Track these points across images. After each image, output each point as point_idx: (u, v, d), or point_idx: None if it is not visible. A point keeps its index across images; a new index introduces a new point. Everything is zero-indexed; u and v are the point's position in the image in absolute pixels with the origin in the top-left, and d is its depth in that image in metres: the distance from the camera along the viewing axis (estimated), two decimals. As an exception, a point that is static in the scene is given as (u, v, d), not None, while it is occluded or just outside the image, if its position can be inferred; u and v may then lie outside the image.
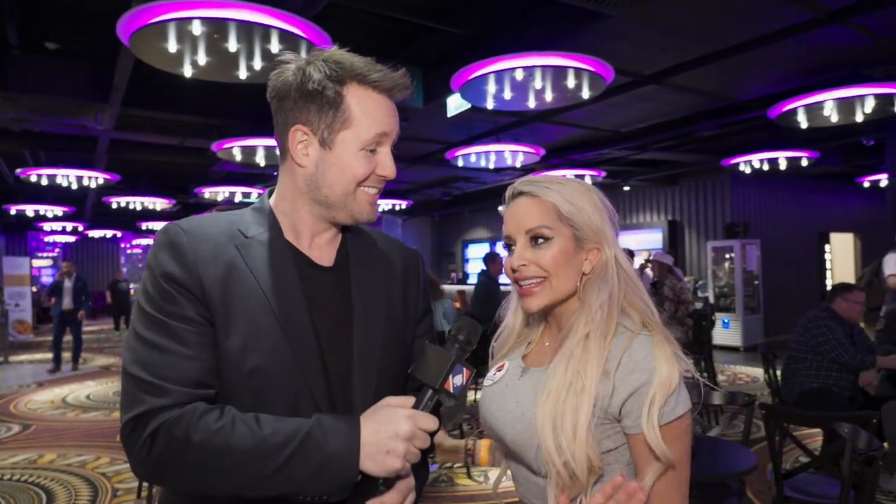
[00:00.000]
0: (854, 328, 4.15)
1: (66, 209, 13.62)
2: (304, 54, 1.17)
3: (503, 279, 7.30)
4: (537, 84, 5.07)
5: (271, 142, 7.09)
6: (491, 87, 5.16)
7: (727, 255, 10.78)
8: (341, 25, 5.12)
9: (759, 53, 5.56)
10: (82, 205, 13.99)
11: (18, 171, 9.63)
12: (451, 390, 1.04)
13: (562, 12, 4.70)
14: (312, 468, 0.95)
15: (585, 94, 5.30)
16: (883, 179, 10.98)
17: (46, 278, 18.61)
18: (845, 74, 5.99)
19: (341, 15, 5.02)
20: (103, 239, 21.24)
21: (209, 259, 1.05)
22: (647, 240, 12.17)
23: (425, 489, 1.24)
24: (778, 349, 4.95)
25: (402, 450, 0.97)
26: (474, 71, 4.93)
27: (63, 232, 18.53)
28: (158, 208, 13.25)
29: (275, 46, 4.06)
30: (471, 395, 5.77)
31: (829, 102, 6.01)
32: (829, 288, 11.83)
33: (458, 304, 9.43)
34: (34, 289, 15.24)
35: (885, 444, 3.18)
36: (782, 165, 9.05)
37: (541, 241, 1.17)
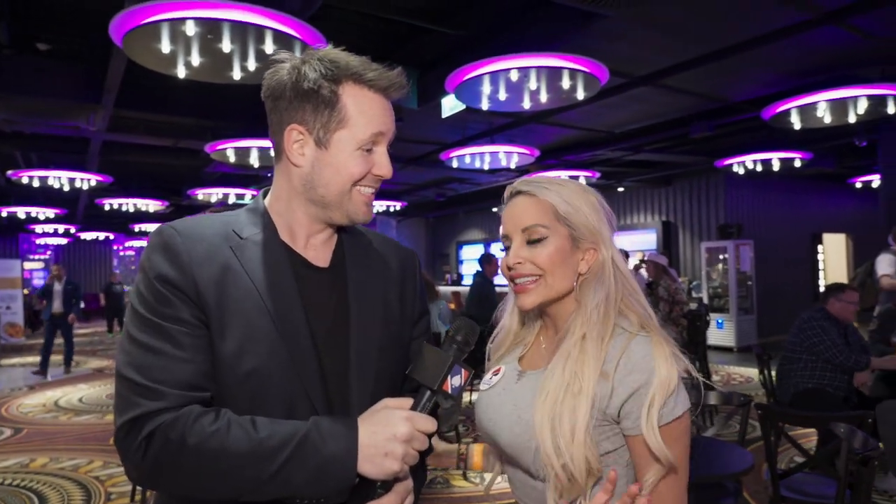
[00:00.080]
0: (848, 328, 4.17)
1: (58, 211, 13.54)
2: (298, 55, 1.16)
3: (498, 280, 7.31)
4: (532, 85, 5.07)
5: (265, 143, 7.09)
6: (486, 88, 5.17)
7: (721, 256, 10.82)
8: (335, 26, 5.11)
9: (753, 54, 5.57)
10: (74, 207, 13.91)
11: (10, 172, 9.56)
12: (450, 391, 1.03)
13: (556, 13, 4.70)
14: (310, 471, 0.94)
15: (580, 95, 5.31)
16: (875, 180, 11.04)
17: (38, 281, 18.50)
18: (838, 75, 6.01)
19: (335, 16, 5.00)
20: (96, 241, 21.14)
21: (204, 260, 1.04)
22: (641, 240, 12.21)
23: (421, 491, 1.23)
24: (771, 350, 4.96)
25: (401, 452, 0.96)
26: (469, 72, 4.93)
27: (55, 234, 18.45)
28: (151, 210, 13.19)
29: (269, 47, 4.04)
30: (466, 397, 5.76)
31: (822, 103, 6.05)
32: (821, 288, 11.93)
33: (452, 306, 9.43)
34: (26, 291, 15.14)
35: (880, 444, 3.18)
36: (775, 166, 9.09)
37: (537, 239, 1.17)
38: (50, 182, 9.54)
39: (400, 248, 1.31)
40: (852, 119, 6.34)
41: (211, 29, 3.83)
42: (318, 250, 1.16)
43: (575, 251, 1.18)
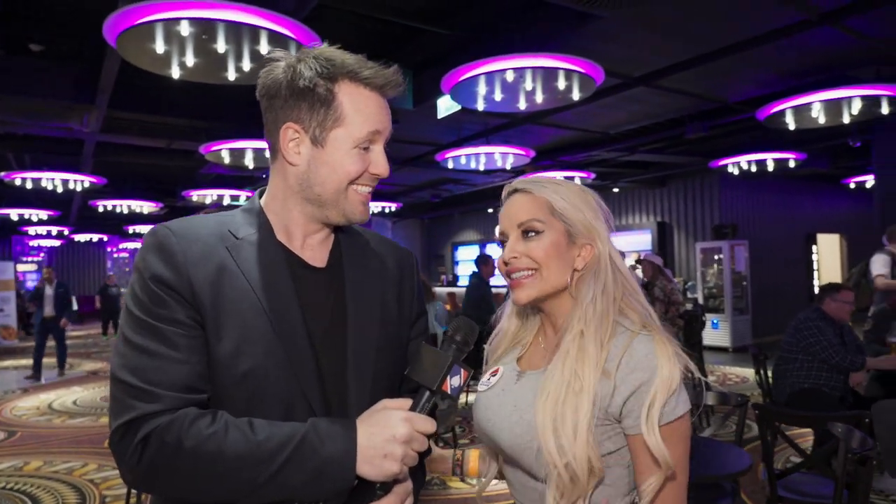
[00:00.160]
0: (844, 328, 4.17)
1: (51, 213, 13.48)
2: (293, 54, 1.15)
3: (495, 281, 7.30)
4: (528, 85, 5.07)
5: (260, 144, 7.07)
6: (481, 89, 5.16)
7: (716, 257, 10.85)
8: (330, 27, 5.09)
9: (748, 55, 5.59)
10: (68, 208, 13.85)
11: (2, 174, 9.50)
12: (449, 391, 1.02)
13: (552, 14, 4.70)
14: (308, 473, 0.93)
15: (576, 95, 5.31)
16: (869, 180, 11.09)
17: (32, 283, 18.40)
18: (833, 76, 6.04)
19: (330, 17, 4.99)
20: (89, 243, 21.06)
21: (199, 261, 1.03)
22: (636, 241, 12.23)
23: (418, 493, 1.22)
24: (767, 350, 4.97)
25: (400, 453, 0.95)
26: (465, 72, 4.92)
27: (48, 236, 18.36)
28: (146, 212, 13.13)
29: (264, 47, 4.02)
30: (462, 398, 5.74)
31: (816, 104, 6.06)
32: (816, 289, 11.97)
33: (448, 307, 9.42)
34: (21, 292, 15.09)
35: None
36: (770, 167, 9.11)
37: (532, 234, 1.18)
38: (43, 183, 9.49)
39: (397, 248, 1.31)
40: (846, 120, 6.36)
41: (205, 29, 3.81)
42: (314, 250, 1.15)
43: (571, 247, 1.18)
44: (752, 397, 6.18)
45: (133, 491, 3.88)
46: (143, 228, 16.31)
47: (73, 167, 9.32)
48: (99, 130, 7.03)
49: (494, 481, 1.33)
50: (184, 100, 6.71)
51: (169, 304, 0.99)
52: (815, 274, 13.56)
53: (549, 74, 4.92)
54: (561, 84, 5.04)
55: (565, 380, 1.10)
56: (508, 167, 9.05)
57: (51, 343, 9.55)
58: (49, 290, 9.56)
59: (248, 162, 7.85)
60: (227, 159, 7.77)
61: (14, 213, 13.19)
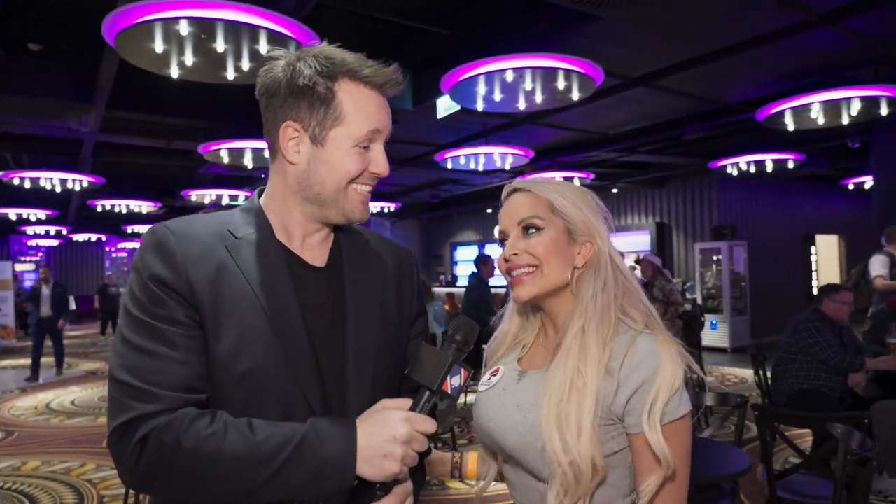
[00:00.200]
0: (843, 329, 4.17)
1: (49, 212, 13.45)
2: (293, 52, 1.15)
3: (494, 282, 7.30)
4: (527, 86, 5.07)
5: (259, 144, 7.06)
6: (481, 89, 5.15)
7: (714, 257, 10.85)
8: (329, 27, 5.08)
9: (747, 56, 5.59)
10: (66, 208, 13.83)
11: (1, 173, 9.48)
12: (449, 391, 1.01)
13: (551, 14, 4.69)
14: (308, 474, 0.92)
15: (575, 95, 5.30)
16: (868, 181, 11.09)
17: (30, 282, 18.37)
18: (832, 77, 6.04)
19: (329, 16, 4.98)
20: (88, 242, 21.02)
21: (198, 260, 1.02)
22: (635, 241, 12.23)
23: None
24: (765, 350, 4.97)
25: (400, 453, 0.95)
26: (464, 73, 4.91)
27: (46, 235, 18.33)
28: (144, 211, 13.11)
29: (263, 47, 4.02)
30: (461, 398, 5.74)
31: (815, 105, 6.07)
32: (815, 289, 11.98)
33: (447, 307, 9.42)
34: (21, 292, 15.05)
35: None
36: (769, 168, 9.12)
37: (533, 230, 1.19)
38: (42, 183, 9.46)
39: (397, 247, 1.30)
40: (845, 120, 6.37)
41: (204, 28, 3.81)
42: (314, 250, 1.15)
43: (571, 244, 1.19)
44: (751, 398, 6.18)
45: (131, 491, 3.87)
46: (142, 228, 16.30)
47: (71, 167, 9.30)
48: (97, 130, 7.02)
49: (493, 483, 1.33)
50: (182, 99, 6.70)
51: (168, 304, 0.99)
52: (814, 275, 13.58)
53: (548, 75, 4.92)
54: (560, 84, 5.03)
55: (568, 377, 1.10)
56: (507, 167, 9.05)
57: (48, 343, 9.53)
58: (46, 291, 9.51)
59: (247, 162, 7.84)
60: (225, 159, 7.76)
61: (12, 213, 13.16)
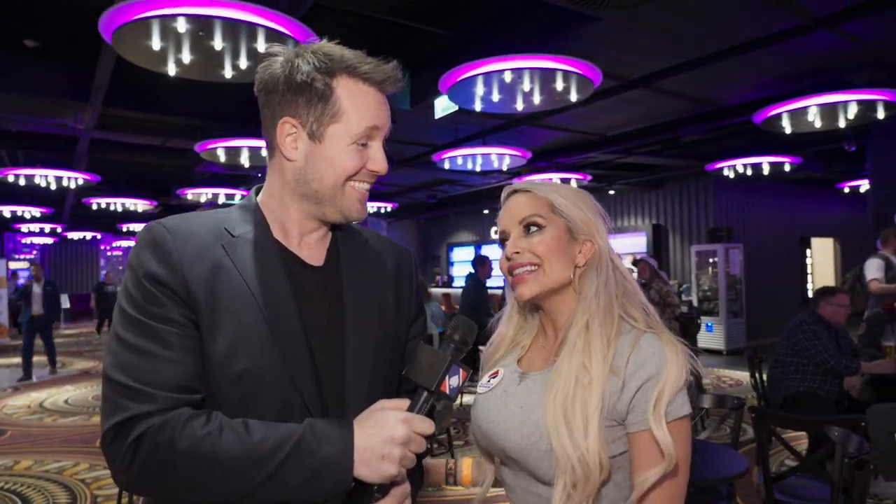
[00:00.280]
0: (839, 332, 4.18)
1: (44, 210, 13.40)
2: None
3: (491, 283, 7.29)
4: (525, 86, 5.06)
5: (256, 142, 7.03)
6: (479, 89, 5.15)
7: (710, 259, 10.87)
8: (328, 26, 5.07)
9: (745, 59, 5.60)
10: (61, 206, 13.77)
11: (-4, 171, 9.45)
12: (448, 392, 1.00)
13: (550, 14, 4.69)
14: (305, 475, 0.91)
15: (573, 96, 5.30)
16: (863, 185, 11.13)
17: (23, 280, 18.30)
18: (829, 80, 6.05)
19: (327, 16, 4.97)
20: (83, 241, 20.95)
21: (194, 258, 1.01)
22: (631, 243, 12.25)
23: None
24: (761, 353, 4.98)
25: (398, 454, 0.94)
26: (462, 73, 4.91)
27: (41, 233, 18.26)
28: (140, 210, 13.07)
29: (260, 45, 4.00)
30: (458, 399, 5.70)
31: (812, 108, 6.07)
32: (810, 292, 12.01)
33: (444, 308, 9.41)
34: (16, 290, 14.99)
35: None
36: (765, 170, 9.14)
37: (534, 229, 1.19)
38: (36, 181, 9.42)
39: (396, 246, 1.29)
40: (842, 124, 6.37)
41: (202, 26, 3.79)
42: (312, 249, 1.14)
43: (572, 242, 1.20)
44: (747, 400, 6.18)
45: (125, 491, 3.86)
46: (137, 226, 16.24)
47: (66, 164, 9.26)
48: (93, 128, 6.99)
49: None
50: (179, 97, 6.67)
51: (163, 303, 0.98)
52: (809, 277, 13.61)
53: (546, 75, 4.92)
54: (559, 85, 5.03)
55: (573, 374, 1.10)
56: (505, 168, 9.05)
57: (38, 341, 9.47)
58: (37, 289, 9.45)
59: (244, 160, 7.82)
60: (222, 158, 7.73)
61: (7, 210, 13.11)
